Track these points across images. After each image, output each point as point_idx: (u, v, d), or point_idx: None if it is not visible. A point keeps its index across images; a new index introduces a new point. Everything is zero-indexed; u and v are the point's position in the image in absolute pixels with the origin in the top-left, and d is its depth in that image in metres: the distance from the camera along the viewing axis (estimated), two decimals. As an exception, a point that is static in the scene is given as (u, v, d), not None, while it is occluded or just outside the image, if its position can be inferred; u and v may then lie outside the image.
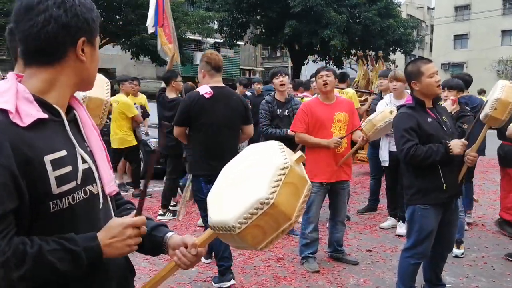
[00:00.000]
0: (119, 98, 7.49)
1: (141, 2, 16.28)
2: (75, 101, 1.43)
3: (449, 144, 3.18)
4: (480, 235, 5.55)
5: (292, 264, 4.57)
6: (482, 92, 14.61)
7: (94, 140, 1.42)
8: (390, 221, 5.85)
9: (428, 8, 52.99)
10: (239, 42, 25.05)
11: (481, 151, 8.55)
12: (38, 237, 1.20)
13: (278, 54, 35.28)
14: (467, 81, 5.71)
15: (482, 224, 6.02)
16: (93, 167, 1.35)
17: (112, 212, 1.45)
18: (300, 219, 4.47)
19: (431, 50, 47.20)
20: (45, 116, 1.24)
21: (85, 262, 1.24)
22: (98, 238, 1.28)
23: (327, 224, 4.97)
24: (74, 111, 1.40)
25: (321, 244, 4.83)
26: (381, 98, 6.06)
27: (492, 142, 5.60)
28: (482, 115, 3.37)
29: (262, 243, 1.37)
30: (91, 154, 1.38)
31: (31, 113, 1.21)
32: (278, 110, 5.35)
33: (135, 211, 1.42)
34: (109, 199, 1.44)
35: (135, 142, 7.63)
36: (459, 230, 4.68)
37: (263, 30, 23.34)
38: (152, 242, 1.52)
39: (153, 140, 9.18)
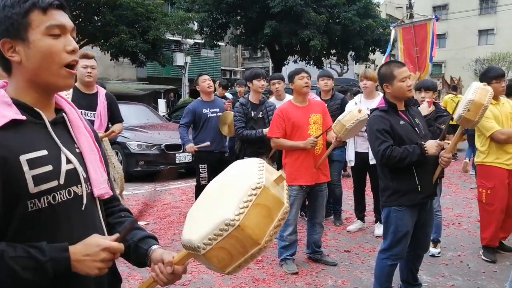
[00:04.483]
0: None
1: (120, 3, 16.10)
2: (66, 103, 1.44)
3: (424, 146, 3.22)
4: (457, 234, 5.63)
5: (271, 266, 4.57)
6: None
7: (86, 142, 1.42)
8: (357, 223, 5.88)
9: (407, 8, 53.51)
10: (219, 43, 24.97)
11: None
12: (7, 243, 1.20)
13: (259, 54, 35.21)
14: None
15: (459, 223, 6.11)
16: (80, 169, 1.35)
17: (100, 215, 1.44)
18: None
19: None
20: (22, 117, 1.26)
21: (50, 273, 1.22)
22: (69, 250, 1.25)
23: (306, 225, 4.98)
24: (63, 113, 1.41)
25: (300, 245, 4.84)
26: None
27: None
28: (455, 117, 3.41)
29: (229, 267, 1.30)
30: (80, 155, 1.38)
31: (6, 115, 1.23)
32: (253, 112, 5.33)
33: (117, 234, 1.36)
34: (97, 201, 1.43)
35: None
36: (437, 229, 4.75)
37: (243, 31, 23.28)
38: (137, 254, 1.49)
39: (132, 142, 9.11)
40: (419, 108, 4.46)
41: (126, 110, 10.72)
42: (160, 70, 26.28)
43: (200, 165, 5.98)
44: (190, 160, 9.33)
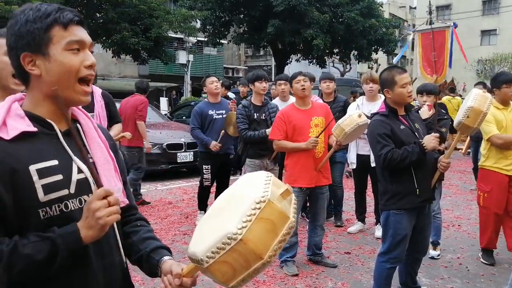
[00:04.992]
0: None
1: (122, 0, 16.12)
2: (81, 114, 1.48)
3: (422, 142, 3.26)
4: (456, 236, 5.65)
5: (271, 268, 4.58)
6: None
7: (99, 152, 1.46)
8: (358, 225, 5.90)
9: (410, 7, 53.49)
10: (222, 41, 24.98)
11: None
12: (20, 236, 1.24)
13: (262, 53, 35.24)
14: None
15: (459, 225, 6.13)
16: (91, 178, 1.38)
17: (114, 224, 1.42)
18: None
19: (413, 49, 47.60)
20: (33, 129, 1.31)
21: (63, 247, 1.25)
22: (76, 224, 1.29)
23: (307, 226, 5.01)
24: (77, 123, 1.45)
25: (300, 247, 4.87)
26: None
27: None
28: (455, 123, 3.45)
29: (232, 281, 1.27)
30: (93, 165, 1.40)
31: (17, 127, 1.28)
32: (255, 114, 5.34)
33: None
34: None
35: None
36: (436, 232, 4.78)
37: (246, 29, 23.31)
38: (149, 264, 1.51)
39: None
40: (420, 111, 4.48)
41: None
42: (162, 68, 26.30)
43: (204, 166, 5.99)
44: (192, 160, 9.36)
